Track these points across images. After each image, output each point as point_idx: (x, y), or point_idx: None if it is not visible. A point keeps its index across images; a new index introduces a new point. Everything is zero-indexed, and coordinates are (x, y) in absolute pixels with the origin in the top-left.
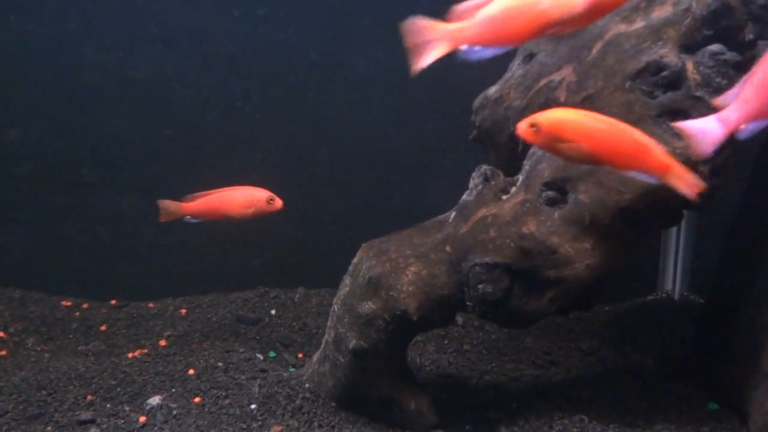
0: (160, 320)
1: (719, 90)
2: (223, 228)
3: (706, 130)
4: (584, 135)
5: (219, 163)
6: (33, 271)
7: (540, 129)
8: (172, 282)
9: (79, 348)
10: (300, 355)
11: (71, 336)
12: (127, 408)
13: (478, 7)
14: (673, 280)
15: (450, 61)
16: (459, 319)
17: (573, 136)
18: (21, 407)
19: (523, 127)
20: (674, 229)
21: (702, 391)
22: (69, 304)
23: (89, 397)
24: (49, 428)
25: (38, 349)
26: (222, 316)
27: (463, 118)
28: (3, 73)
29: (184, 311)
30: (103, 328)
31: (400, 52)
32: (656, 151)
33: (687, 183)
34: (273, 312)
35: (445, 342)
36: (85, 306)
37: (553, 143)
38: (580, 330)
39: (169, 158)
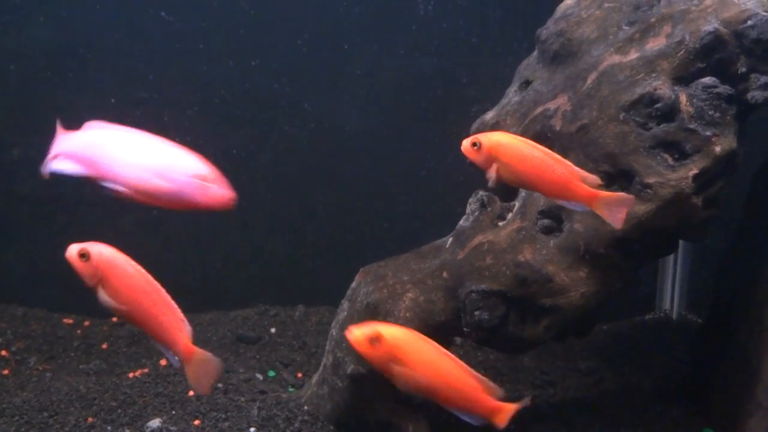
0: None
1: (712, 123)
2: (223, 246)
3: None
4: (518, 159)
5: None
6: (35, 289)
7: (481, 148)
8: (173, 299)
9: (81, 367)
10: (299, 375)
11: (72, 354)
12: (127, 431)
13: None
14: (671, 299)
15: (446, 88)
16: (457, 339)
17: (508, 158)
18: (23, 429)
19: (465, 145)
20: None
21: (697, 416)
22: (71, 321)
23: (90, 420)
24: None
25: (40, 368)
26: (222, 335)
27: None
28: (6, 94)
29: None
30: (104, 346)
31: (389, 103)
32: (584, 181)
33: (612, 214)
34: (273, 330)
35: None
36: (86, 323)
37: (491, 163)
38: (578, 350)
39: None
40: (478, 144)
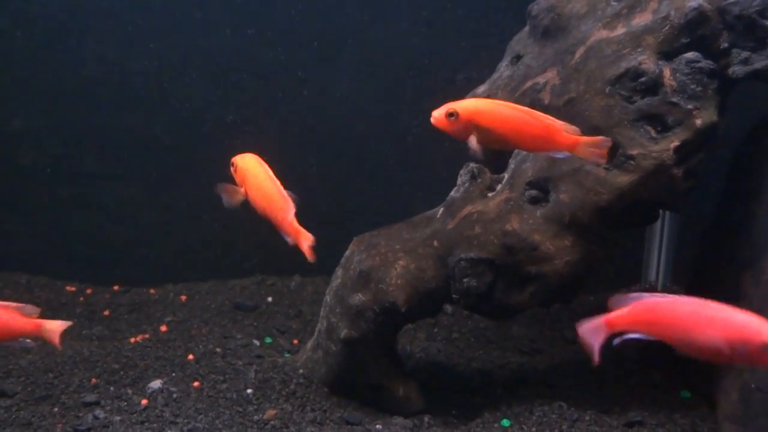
0: (161, 306)
1: (694, 96)
2: (221, 216)
3: (595, 331)
4: (498, 122)
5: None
6: (39, 257)
7: (458, 118)
8: (173, 268)
9: (84, 332)
10: (295, 342)
11: (75, 320)
12: (129, 391)
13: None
14: (656, 271)
15: (436, 61)
16: (449, 307)
17: (488, 123)
18: (29, 389)
19: (438, 116)
20: (658, 222)
21: (676, 380)
22: (73, 289)
23: (94, 380)
24: (56, 409)
25: None
26: (221, 303)
27: None
28: (8, 65)
29: (184, 298)
30: (106, 312)
31: (379, 69)
32: (565, 131)
33: (593, 154)
34: (270, 299)
35: (435, 330)
36: (88, 291)
37: (470, 131)
38: (565, 319)
39: (168, 151)
40: (454, 114)
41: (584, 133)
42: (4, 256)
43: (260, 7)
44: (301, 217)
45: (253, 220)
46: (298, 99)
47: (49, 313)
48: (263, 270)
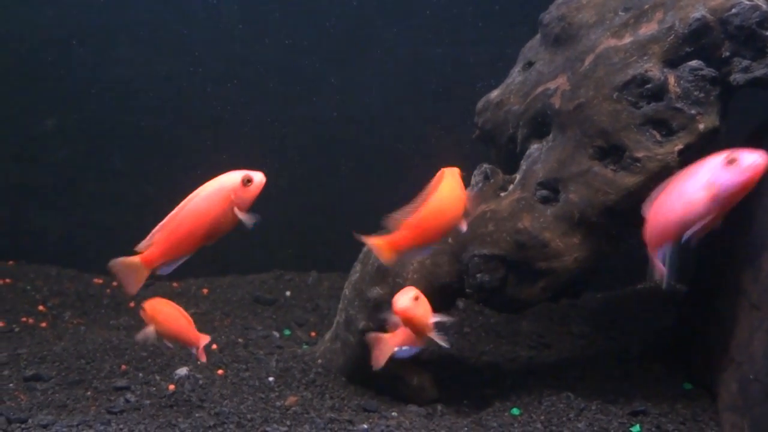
0: (184, 299)
1: (697, 102)
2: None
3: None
4: None
5: (239, 157)
6: (68, 251)
7: None
8: (194, 263)
9: (111, 322)
10: (313, 334)
11: (103, 311)
12: (158, 377)
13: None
14: None
15: (453, 72)
16: (460, 303)
17: None
18: (63, 374)
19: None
20: None
21: (679, 373)
22: (100, 281)
23: (123, 367)
24: (89, 393)
25: (74, 322)
26: (241, 297)
27: (468, 118)
28: (41, 68)
29: (205, 291)
30: (131, 304)
31: (404, 77)
32: None
33: None
34: (288, 293)
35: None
36: (114, 284)
37: None
38: (573, 315)
39: (192, 150)
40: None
41: (593, 136)
42: (35, 249)
43: (295, 20)
44: (324, 214)
45: (270, 218)
46: (328, 103)
47: (78, 303)
48: (281, 265)
